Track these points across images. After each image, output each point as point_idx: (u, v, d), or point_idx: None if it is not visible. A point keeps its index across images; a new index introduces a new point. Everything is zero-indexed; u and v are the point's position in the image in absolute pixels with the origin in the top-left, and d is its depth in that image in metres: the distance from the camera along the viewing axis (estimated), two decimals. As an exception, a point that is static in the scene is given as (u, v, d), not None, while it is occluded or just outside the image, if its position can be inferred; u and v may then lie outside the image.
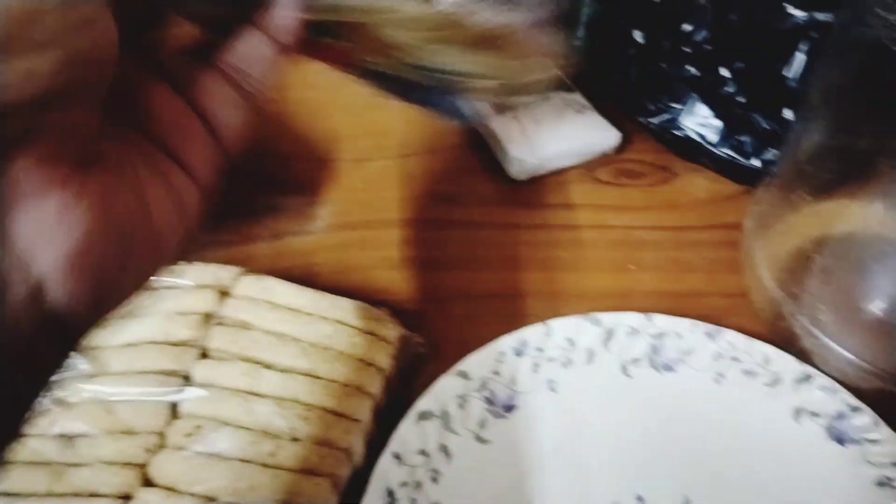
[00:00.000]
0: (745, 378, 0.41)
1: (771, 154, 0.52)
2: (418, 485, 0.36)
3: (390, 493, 0.35)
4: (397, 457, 0.36)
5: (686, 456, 0.39)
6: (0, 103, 0.15)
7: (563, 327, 0.42)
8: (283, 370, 0.37)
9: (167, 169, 0.22)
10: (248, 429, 0.35)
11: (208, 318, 0.39)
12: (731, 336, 0.42)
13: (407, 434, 0.37)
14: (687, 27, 0.55)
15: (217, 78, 0.23)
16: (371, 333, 0.39)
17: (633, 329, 0.42)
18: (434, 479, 0.37)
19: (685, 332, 0.42)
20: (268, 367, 0.37)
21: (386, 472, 0.36)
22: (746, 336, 0.42)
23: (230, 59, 0.23)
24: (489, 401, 0.40)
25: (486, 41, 0.26)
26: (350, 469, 0.35)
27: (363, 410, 0.36)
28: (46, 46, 0.16)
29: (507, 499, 0.37)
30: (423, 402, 0.38)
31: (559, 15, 0.63)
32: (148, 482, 0.34)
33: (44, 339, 0.18)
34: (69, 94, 0.17)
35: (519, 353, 0.41)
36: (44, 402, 0.35)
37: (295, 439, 0.35)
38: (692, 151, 0.55)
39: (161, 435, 0.36)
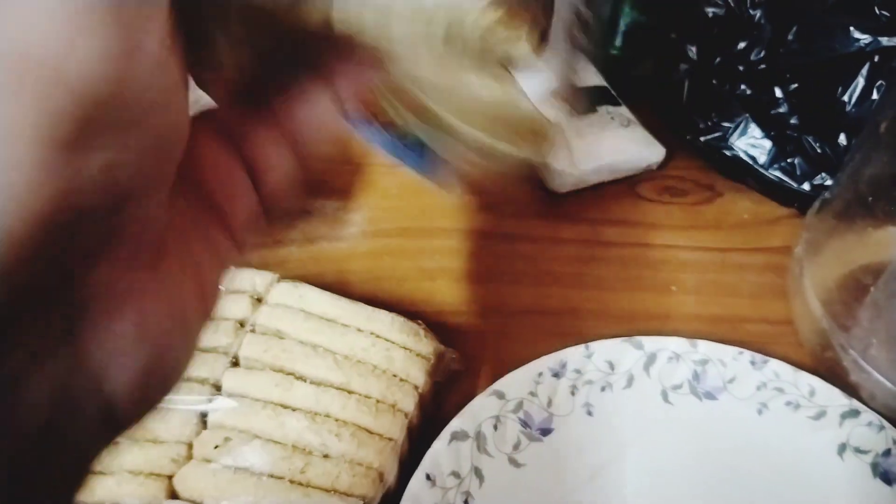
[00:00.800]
0: (789, 410, 0.40)
1: (822, 178, 0.50)
2: None
3: None
4: (430, 478, 0.35)
5: (725, 486, 0.37)
6: (79, 206, 0.13)
7: (603, 350, 0.41)
8: (316, 383, 0.36)
9: (216, 236, 0.20)
10: (278, 443, 0.34)
11: (241, 325, 0.38)
12: (776, 366, 0.40)
13: (440, 455, 0.36)
14: (742, 44, 0.53)
15: (271, 132, 0.20)
16: (407, 348, 0.38)
17: (675, 354, 0.41)
18: (466, 503, 0.36)
19: (729, 360, 0.41)
20: (300, 378, 0.36)
21: (418, 494, 0.34)
22: (792, 367, 0.40)
23: (289, 117, 0.20)
24: (524, 423, 0.39)
25: (528, 131, 0.24)
26: (382, 491, 0.34)
27: (397, 429, 0.35)
28: (128, 130, 0.13)
29: None
30: (458, 422, 0.37)
31: (598, 22, 0.62)
32: (173, 494, 0.33)
33: (102, 441, 0.17)
34: (149, 184, 0.15)
35: (557, 374, 0.40)
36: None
37: (326, 456, 0.34)
38: (740, 172, 0.53)
39: (188, 445, 0.34)
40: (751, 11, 0.53)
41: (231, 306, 0.39)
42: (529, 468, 0.37)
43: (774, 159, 0.51)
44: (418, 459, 0.35)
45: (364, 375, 0.36)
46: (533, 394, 0.39)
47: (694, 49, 0.54)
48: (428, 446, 0.36)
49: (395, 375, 0.37)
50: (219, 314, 0.38)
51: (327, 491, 0.33)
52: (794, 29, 0.51)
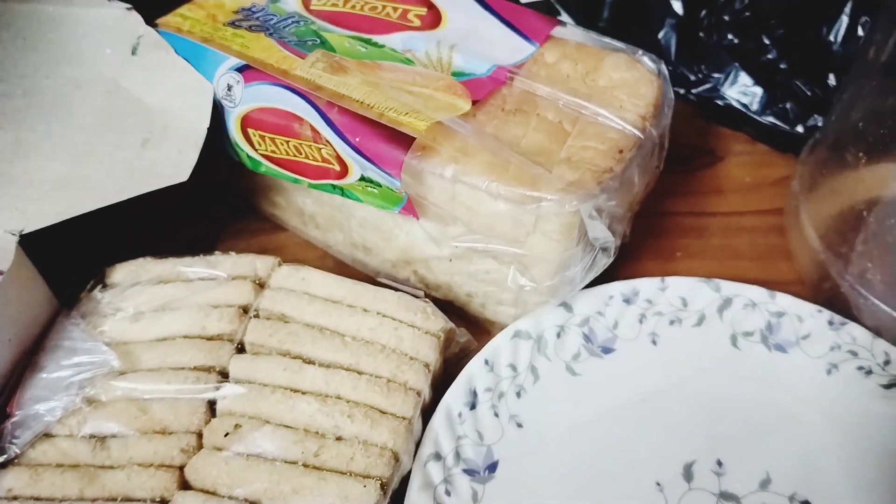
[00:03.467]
0: (860, 375, 0.39)
1: (815, 120, 0.50)
2: (502, 395, 0.38)
3: (473, 394, 0.37)
4: (487, 363, 0.38)
5: (778, 438, 0.37)
6: None
7: (679, 285, 0.41)
8: (325, 365, 0.35)
9: None
10: (289, 427, 0.33)
11: (244, 310, 0.37)
12: (854, 329, 0.40)
13: (501, 346, 0.38)
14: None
15: None
16: (415, 326, 0.37)
17: (752, 302, 0.41)
18: (518, 394, 0.38)
19: (806, 316, 0.41)
20: (308, 361, 0.36)
21: (473, 374, 0.37)
22: (871, 333, 0.40)
23: None
24: (587, 338, 0.40)
25: None
26: (398, 471, 0.33)
27: (410, 408, 0.34)
28: None
29: (585, 433, 0.37)
30: (523, 323, 0.39)
31: None
32: (185, 485, 0.32)
33: None
34: None
35: (628, 300, 0.41)
36: (75, 400, 0.34)
37: (339, 438, 0.33)
38: (735, 121, 0.53)
39: (198, 435, 0.34)
40: (732, -39, 0.52)
41: (233, 292, 0.38)
42: (584, 378, 0.39)
43: (767, 105, 0.51)
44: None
45: (373, 355, 0.36)
46: (601, 313, 0.41)
47: (679, 4, 0.54)
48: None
49: (404, 354, 0.36)
50: (221, 301, 0.37)
51: (343, 473, 0.32)
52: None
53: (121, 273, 0.39)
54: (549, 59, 0.40)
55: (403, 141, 0.34)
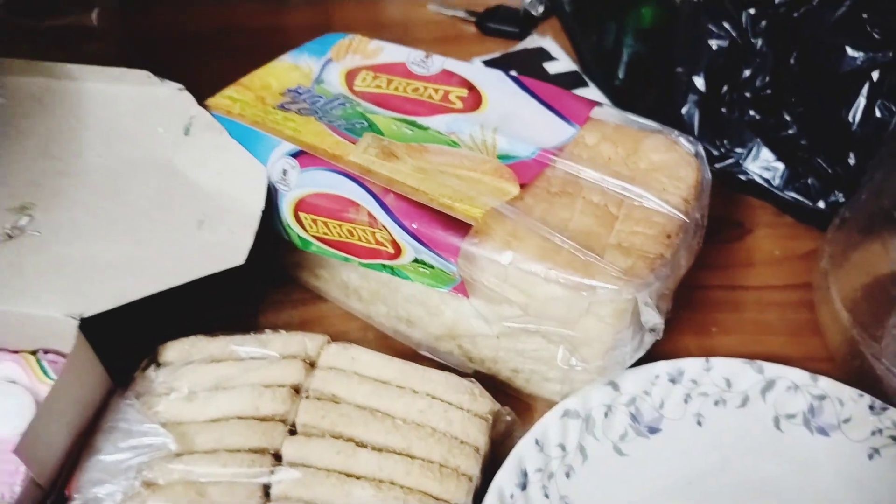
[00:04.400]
0: None
1: (836, 196, 0.51)
2: (552, 475, 0.38)
3: (524, 475, 0.37)
4: (538, 443, 0.38)
5: None
6: None
7: (723, 366, 0.42)
8: (377, 448, 0.36)
9: None
10: (344, 513, 0.34)
11: (296, 390, 0.38)
12: (894, 414, 0.40)
13: (550, 426, 0.39)
14: (747, 72, 0.54)
15: None
16: (463, 408, 0.37)
17: (794, 385, 0.42)
18: (567, 475, 0.38)
19: (847, 400, 0.41)
20: (360, 444, 0.36)
21: (524, 454, 0.38)
22: None
23: None
24: (634, 417, 0.41)
25: None
26: (455, 558, 0.33)
27: (462, 494, 0.35)
28: None
29: None
30: (571, 402, 0.40)
31: (602, 55, 0.62)
32: (243, 571, 0.33)
33: None
34: None
35: (673, 380, 0.41)
36: (134, 484, 0.34)
37: (394, 525, 0.34)
38: (757, 194, 0.54)
39: (254, 519, 0.34)
40: (753, 40, 0.54)
41: (285, 372, 0.38)
42: (631, 459, 0.40)
43: (789, 181, 0.53)
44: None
45: (424, 439, 0.36)
46: (647, 393, 0.41)
47: (701, 80, 0.55)
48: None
49: (455, 438, 0.36)
50: (274, 380, 0.38)
51: (400, 561, 0.32)
52: (795, 54, 0.53)
53: (173, 352, 0.39)
54: (589, 141, 0.41)
55: (458, 226, 0.35)
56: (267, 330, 0.40)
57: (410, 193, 0.37)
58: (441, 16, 0.71)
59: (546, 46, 0.64)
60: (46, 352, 0.38)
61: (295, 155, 0.39)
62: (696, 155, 0.41)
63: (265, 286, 0.48)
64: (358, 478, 0.35)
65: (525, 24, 0.68)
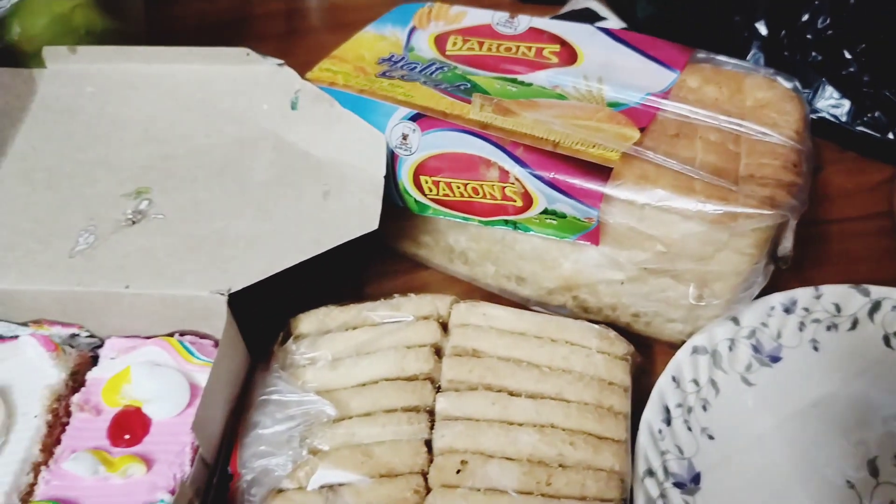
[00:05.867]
0: None
1: None
2: (690, 409, 0.40)
3: (666, 410, 0.39)
4: (675, 380, 0.40)
5: None
6: None
7: (831, 293, 0.43)
8: (531, 396, 0.36)
9: None
10: (514, 459, 0.34)
11: (435, 348, 0.38)
12: None
13: (682, 363, 0.40)
14: (806, 16, 0.56)
15: None
16: (604, 352, 0.38)
17: None
18: (703, 408, 0.40)
19: None
20: (513, 393, 0.36)
21: (664, 391, 0.39)
22: None
23: None
24: (756, 349, 0.42)
25: None
26: (626, 492, 0.34)
27: (622, 431, 0.35)
28: None
29: (769, 439, 0.39)
30: (698, 338, 0.41)
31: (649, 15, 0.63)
32: (426, 525, 0.33)
33: None
34: None
35: (788, 310, 0.43)
36: (301, 453, 0.34)
37: (562, 466, 0.34)
38: (825, 132, 0.55)
39: (423, 475, 0.34)
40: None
41: (421, 332, 0.39)
42: (759, 388, 0.41)
43: (856, 115, 0.54)
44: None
45: (573, 383, 0.37)
46: (765, 324, 0.42)
47: (763, 26, 0.57)
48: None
49: (602, 379, 0.37)
50: (412, 341, 0.38)
51: (578, 499, 0.33)
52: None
53: (307, 323, 0.39)
54: (691, 84, 0.42)
55: (595, 172, 0.36)
56: (395, 295, 0.40)
57: (541, 144, 0.37)
58: (476, -15, 0.71)
59: (592, 7, 0.64)
60: (182, 334, 0.37)
61: (413, 119, 0.40)
62: (795, 90, 0.42)
63: (361, 258, 0.48)
64: (519, 425, 0.35)
65: (564, -13, 0.68)
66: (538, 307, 0.44)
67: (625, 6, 0.65)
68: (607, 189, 0.36)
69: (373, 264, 0.48)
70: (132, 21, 0.54)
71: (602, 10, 0.65)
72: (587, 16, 0.64)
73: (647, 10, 0.62)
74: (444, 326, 0.40)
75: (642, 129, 0.39)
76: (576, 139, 0.37)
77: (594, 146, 0.37)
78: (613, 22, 0.63)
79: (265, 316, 0.39)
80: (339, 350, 0.38)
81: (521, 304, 0.45)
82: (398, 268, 0.48)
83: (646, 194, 0.35)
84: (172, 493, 0.31)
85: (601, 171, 0.36)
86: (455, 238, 0.44)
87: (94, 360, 0.37)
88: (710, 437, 0.39)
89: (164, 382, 0.34)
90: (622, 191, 0.36)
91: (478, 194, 0.39)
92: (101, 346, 0.37)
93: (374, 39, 0.47)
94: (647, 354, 0.43)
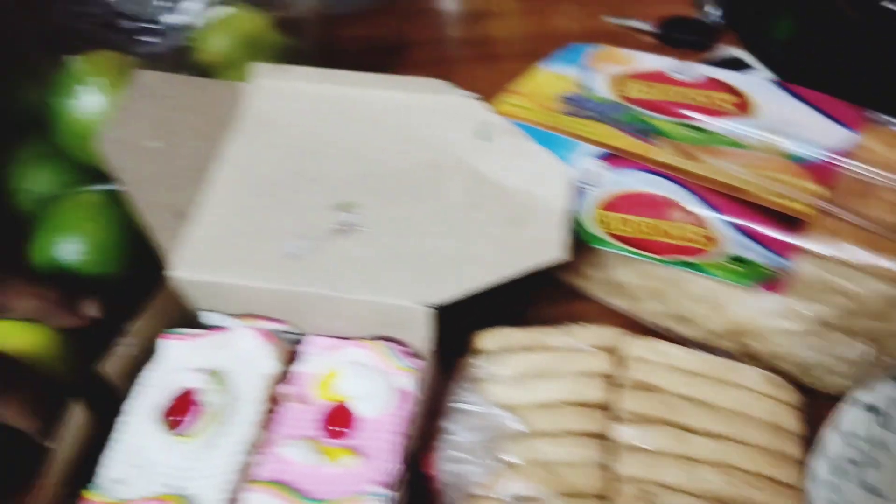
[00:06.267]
0: None
1: None
2: (857, 463, 0.38)
3: (835, 463, 0.37)
4: (842, 435, 0.38)
5: None
6: None
7: None
8: (708, 435, 0.38)
9: None
10: (696, 496, 0.35)
11: (609, 379, 0.40)
12: None
13: (852, 419, 0.39)
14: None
15: None
16: (778, 399, 0.39)
17: None
18: (874, 466, 0.38)
19: None
20: (689, 430, 0.38)
21: (831, 445, 0.38)
22: None
23: None
24: None
25: None
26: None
27: (797, 478, 0.36)
28: None
29: None
30: (864, 395, 0.40)
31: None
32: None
33: None
34: None
35: None
36: (494, 464, 0.36)
37: (744, 508, 0.35)
38: None
39: (605, 498, 0.36)
40: None
41: (596, 361, 0.40)
42: None
43: None
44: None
45: (750, 427, 0.38)
46: None
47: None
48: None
49: (776, 425, 0.38)
50: (588, 369, 0.40)
51: (760, 540, 0.34)
52: None
53: (489, 341, 0.41)
54: (872, 145, 0.43)
55: (786, 223, 0.37)
56: (566, 322, 0.42)
57: (731, 191, 0.39)
58: (618, 27, 0.73)
59: (739, 56, 0.66)
60: (379, 339, 0.40)
61: (601, 157, 0.42)
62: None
63: (528, 283, 0.50)
64: (700, 462, 0.36)
65: (710, 34, 0.70)
66: (696, 348, 0.46)
67: (772, 56, 0.67)
68: (801, 241, 0.37)
69: (532, 290, 0.50)
70: (307, 40, 0.59)
71: (749, 59, 0.66)
72: (737, 65, 0.65)
73: (800, 64, 0.63)
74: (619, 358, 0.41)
75: (828, 185, 0.40)
76: (765, 188, 0.39)
77: (783, 197, 0.38)
78: (764, 73, 0.64)
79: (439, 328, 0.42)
80: (520, 369, 0.40)
81: (680, 342, 0.46)
82: (556, 295, 0.50)
83: (837, 249, 0.37)
84: (384, 486, 0.34)
85: (791, 222, 0.37)
86: (623, 273, 0.46)
87: (292, 355, 0.40)
88: (881, 496, 0.39)
89: (374, 382, 0.37)
90: (815, 244, 0.37)
91: (660, 233, 0.41)
92: (299, 342, 0.41)
93: (551, 77, 0.49)
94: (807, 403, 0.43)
